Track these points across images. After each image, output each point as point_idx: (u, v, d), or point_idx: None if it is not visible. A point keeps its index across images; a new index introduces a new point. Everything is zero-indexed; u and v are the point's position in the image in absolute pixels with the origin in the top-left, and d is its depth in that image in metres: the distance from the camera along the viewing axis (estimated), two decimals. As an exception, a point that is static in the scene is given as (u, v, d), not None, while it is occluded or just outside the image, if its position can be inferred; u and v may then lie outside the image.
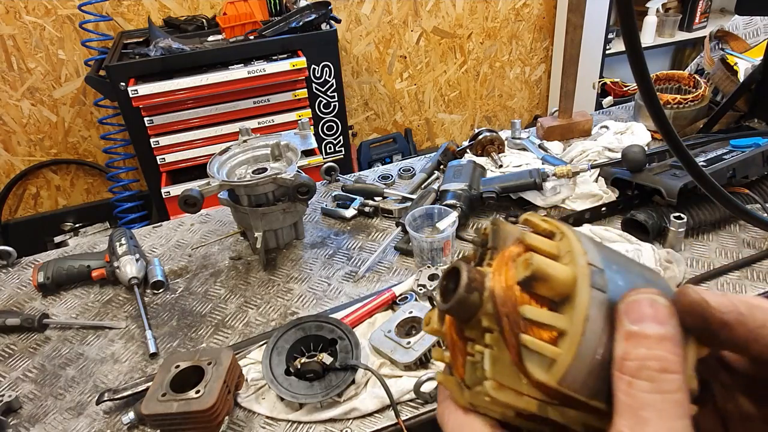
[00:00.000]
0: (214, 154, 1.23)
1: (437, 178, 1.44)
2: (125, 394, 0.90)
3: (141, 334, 1.06)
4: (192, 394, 0.81)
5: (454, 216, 1.12)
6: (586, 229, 1.16)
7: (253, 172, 1.21)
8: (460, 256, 0.90)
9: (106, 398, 0.89)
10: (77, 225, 2.99)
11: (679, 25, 3.31)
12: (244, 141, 1.26)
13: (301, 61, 2.29)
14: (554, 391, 0.26)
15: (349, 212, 1.35)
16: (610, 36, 3.14)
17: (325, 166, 1.50)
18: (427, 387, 0.86)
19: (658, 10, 3.20)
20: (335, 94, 2.54)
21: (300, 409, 0.88)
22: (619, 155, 1.30)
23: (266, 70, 2.26)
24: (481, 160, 1.42)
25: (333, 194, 1.43)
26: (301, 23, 2.38)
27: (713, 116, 1.44)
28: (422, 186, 1.42)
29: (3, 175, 2.82)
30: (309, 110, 2.44)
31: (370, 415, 0.86)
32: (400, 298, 1.06)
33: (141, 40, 2.55)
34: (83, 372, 1.00)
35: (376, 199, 1.36)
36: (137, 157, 2.45)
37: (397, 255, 1.21)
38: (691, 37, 3.30)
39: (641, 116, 1.58)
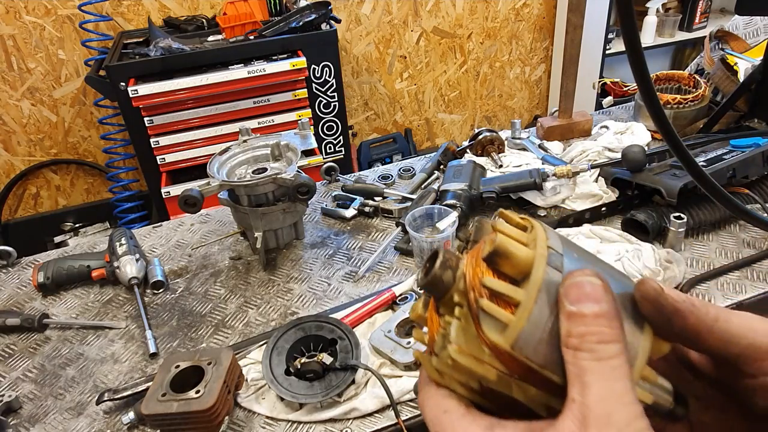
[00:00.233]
0: (214, 154, 1.23)
1: (437, 178, 1.44)
2: (125, 394, 0.90)
3: (141, 334, 1.06)
4: (192, 394, 0.81)
5: (454, 216, 1.12)
6: (586, 229, 1.16)
7: (253, 172, 1.21)
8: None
9: (106, 398, 0.89)
10: (77, 225, 2.99)
11: (679, 25, 3.31)
12: (244, 141, 1.26)
13: (301, 61, 2.29)
14: (509, 358, 0.29)
15: (349, 212, 1.35)
16: (610, 36, 3.14)
17: (325, 166, 1.50)
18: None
19: (658, 10, 3.20)
20: (335, 94, 2.54)
21: (300, 409, 0.88)
22: (619, 155, 1.30)
23: (266, 70, 2.26)
24: (481, 160, 1.42)
25: (333, 194, 1.43)
26: (301, 23, 2.38)
27: (713, 116, 1.44)
28: (422, 186, 1.42)
29: (3, 175, 2.82)
30: (309, 110, 2.44)
31: (370, 415, 0.86)
32: (400, 298, 1.06)
33: (141, 40, 2.55)
34: (83, 372, 1.00)
35: (376, 199, 1.36)
36: (137, 157, 2.46)
37: (397, 255, 1.21)
38: (691, 37, 3.30)
39: (641, 116, 1.58)
